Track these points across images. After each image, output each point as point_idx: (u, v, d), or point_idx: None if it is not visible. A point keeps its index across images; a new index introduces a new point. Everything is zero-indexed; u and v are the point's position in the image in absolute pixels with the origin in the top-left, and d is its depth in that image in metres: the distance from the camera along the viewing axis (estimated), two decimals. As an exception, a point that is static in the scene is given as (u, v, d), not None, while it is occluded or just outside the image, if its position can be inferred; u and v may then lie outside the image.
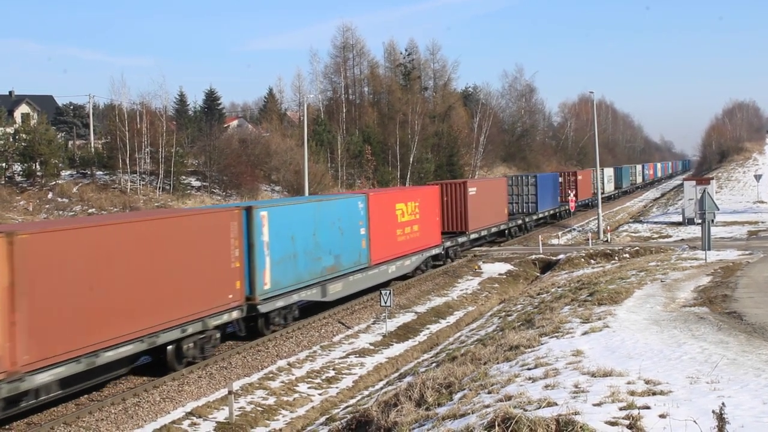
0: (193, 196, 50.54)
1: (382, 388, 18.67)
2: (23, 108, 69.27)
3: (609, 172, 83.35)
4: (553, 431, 8.48)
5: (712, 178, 66.18)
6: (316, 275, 24.70)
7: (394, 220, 30.79)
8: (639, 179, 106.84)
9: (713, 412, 7.50)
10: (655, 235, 46.99)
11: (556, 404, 9.56)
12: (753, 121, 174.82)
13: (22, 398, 14.89)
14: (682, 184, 59.64)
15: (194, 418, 16.82)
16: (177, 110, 70.45)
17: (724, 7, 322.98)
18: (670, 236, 45.63)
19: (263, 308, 22.01)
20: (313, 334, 24.31)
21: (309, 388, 19.49)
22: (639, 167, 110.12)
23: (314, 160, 56.20)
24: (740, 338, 14.71)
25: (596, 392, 10.25)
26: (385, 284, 29.54)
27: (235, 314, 20.86)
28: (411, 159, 69.61)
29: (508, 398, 10.48)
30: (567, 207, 59.19)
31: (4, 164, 43.67)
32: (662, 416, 8.88)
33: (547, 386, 11.03)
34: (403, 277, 32.37)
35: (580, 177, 64.79)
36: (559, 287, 27.84)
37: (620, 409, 9.34)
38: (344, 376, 20.62)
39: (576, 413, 8.99)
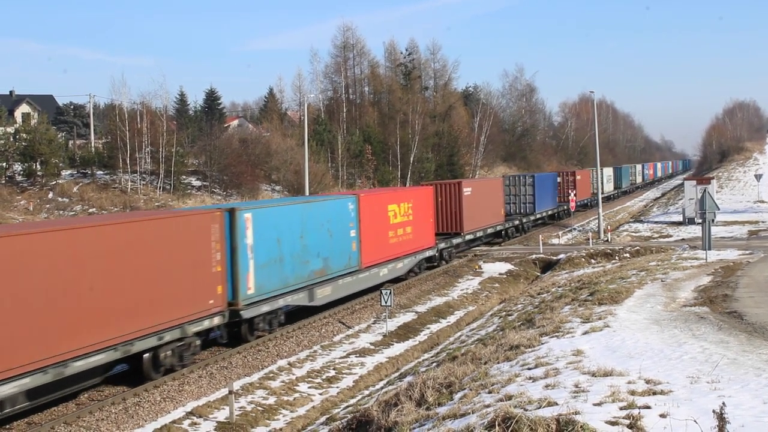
0: (194, 195, 50.56)
1: (382, 388, 18.68)
2: (24, 108, 69.31)
3: (608, 171, 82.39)
4: (554, 431, 8.48)
5: (713, 178, 66.19)
6: (303, 279, 23.99)
7: (386, 222, 30.06)
8: (639, 179, 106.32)
9: (714, 411, 7.50)
10: (656, 235, 46.99)
11: (557, 404, 9.55)
12: (753, 120, 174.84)
13: None
14: (682, 184, 59.61)
15: (195, 417, 16.83)
16: (177, 110, 70.50)
17: (724, 7, 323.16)
18: (671, 236, 45.63)
19: (246, 314, 21.22)
20: (314, 334, 24.31)
21: (309, 387, 19.49)
22: (639, 167, 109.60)
23: (314, 159, 56.21)
24: (741, 338, 14.70)
25: (597, 392, 10.25)
26: (376, 287, 29.00)
27: (216, 320, 20.07)
28: (411, 159, 69.61)
29: (509, 398, 10.47)
30: (565, 207, 59.13)
31: (4, 164, 43.72)
32: (663, 416, 8.88)
33: (547, 386, 11.03)
34: (396, 280, 31.58)
35: (578, 177, 64.21)
36: (559, 287, 27.84)
37: (621, 408, 9.34)
38: (345, 375, 20.62)
39: (576, 413, 8.99)
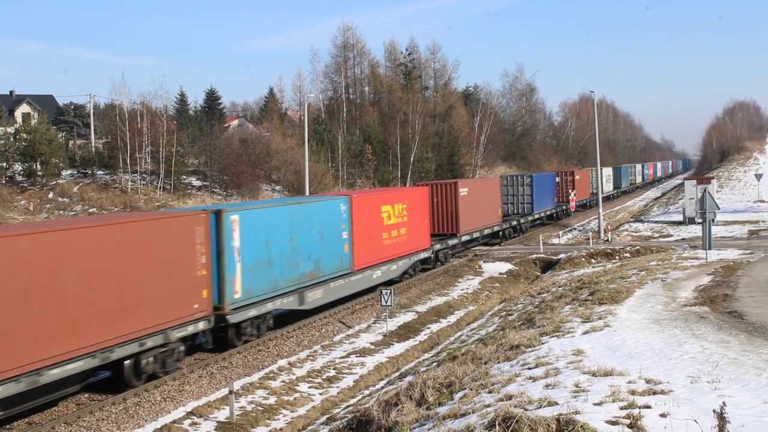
0: (194, 195, 50.58)
1: (382, 388, 18.67)
2: (24, 108, 69.32)
3: (607, 171, 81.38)
4: (554, 431, 8.48)
5: (713, 178, 66.22)
6: (293, 282, 23.43)
7: (380, 223, 29.50)
8: (638, 179, 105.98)
9: (714, 411, 7.50)
10: (656, 235, 47.00)
11: (557, 403, 9.55)
12: (754, 120, 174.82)
13: None
14: (682, 184, 59.62)
15: (195, 417, 16.83)
16: (177, 110, 70.54)
17: (724, 7, 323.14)
18: (671, 235, 45.64)
19: (233, 318, 20.63)
20: (314, 334, 24.31)
21: (310, 387, 19.50)
22: (639, 167, 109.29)
23: (315, 159, 56.23)
24: (741, 337, 14.70)
25: (597, 391, 10.25)
26: (370, 290, 28.75)
27: (201, 325, 19.51)
28: (412, 158, 69.62)
29: (509, 398, 10.47)
30: (564, 208, 59.03)
31: (4, 164, 43.73)
32: (663, 415, 8.88)
33: (547, 386, 11.03)
34: (390, 282, 30.89)
35: (577, 177, 63.65)
36: (559, 286, 27.84)
37: (621, 408, 9.34)
38: (345, 375, 20.63)
39: (577, 412, 8.99)
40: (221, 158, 54.04)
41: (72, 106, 68.13)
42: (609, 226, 50.83)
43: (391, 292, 25.05)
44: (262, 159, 58.35)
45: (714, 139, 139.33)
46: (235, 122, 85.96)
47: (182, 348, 19.26)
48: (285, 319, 24.89)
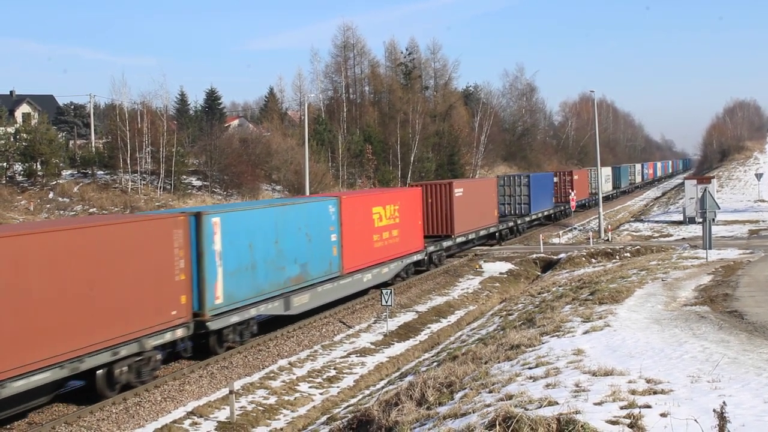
0: (194, 195, 50.60)
1: (383, 388, 18.67)
2: (24, 108, 69.33)
3: (606, 171, 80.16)
4: (554, 430, 8.48)
5: (713, 177, 66.22)
6: (278, 286, 22.63)
7: (371, 225, 28.68)
8: (638, 179, 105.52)
9: (714, 411, 7.49)
10: (656, 234, 47.00)
11: (557, 403, 9.55)
12: (754, 119, 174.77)
13: None
14: (682, 183, 59.61)
15: (195, 417, 16.84)
16: (178, 110, 70.58)
17: (724, 7, 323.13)
18: (671, 235, 45.64)
19: (214, 325, 19.84)
20: (314, 334, 24.32)
21: (310, 387, 19.50)
22: (638, 166, 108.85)
23: (315, 159, 56.25)
24: (741, 337, 14.70)
25: (597, 391, 10.25)
26: (360, 294, 28.37)
27: (179, 332, 18.72)
28: (412, 158, 69.63)
29: (509, 397, 10.47)
30: (562, 208, 58.86)
31: (5, 164, 43.73)
32: (663, 415, 8.88)
33: (548, 385, 11.02)
34: (382, 285, 29.60)
35: (576, 177, 63.01)
36: (560, 286, 27.84)
37: (621, 408, 9.34)
38: (345, 375, 20.63)
39: (577, 412, 8.99)
40: (221, 158, 54.05)
41: (72, 106, 68.15)
42: (609, 226, 50.85)
43: (391, 292, 25.04)
44: (263, 159, 58.37)
45: (714, 138, 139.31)
46: (236, 122, 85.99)
47: (159, 356, 18.50)
48: (270, 324, 24.26)
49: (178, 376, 19.14)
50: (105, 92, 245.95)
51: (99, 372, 16.68)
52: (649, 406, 9.32)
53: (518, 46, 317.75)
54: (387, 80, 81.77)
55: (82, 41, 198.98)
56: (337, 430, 13.05)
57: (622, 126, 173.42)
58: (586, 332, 15.71)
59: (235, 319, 20.73)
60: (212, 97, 74.49)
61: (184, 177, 51.78)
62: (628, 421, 8.77)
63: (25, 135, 44.70)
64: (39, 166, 44.20)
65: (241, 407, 17.50)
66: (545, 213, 55.62)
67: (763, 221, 49.69)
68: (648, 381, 10.86)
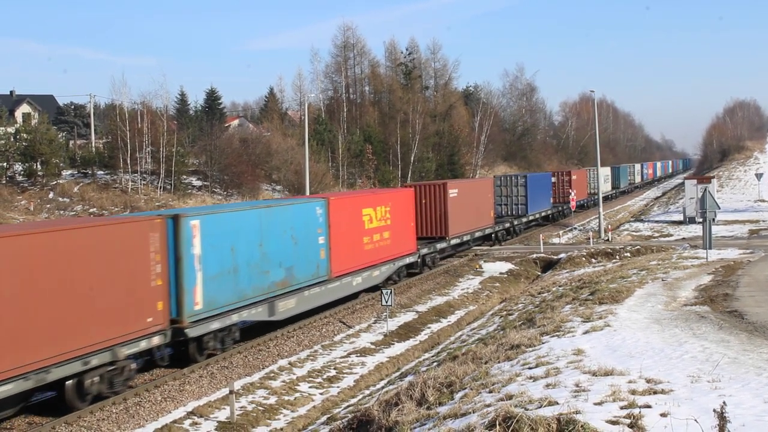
0: (194, 195, 50.61)
1: (383, 388, 18.67)
2: (24, 108, 69.36)
3: (605, 171, 79.38)
4: (554, 430, 8.48)
5: (713, 177, 66.23)
6: (262, 291, 21.84)
7: (361, 227, 27.90)
8: (638, 179, 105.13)
9: (714, 410, 7.49)
10: (656, 234, 47.00)
11: (557, 403, 9.55)
12: (754, 119, 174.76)
13: None
14: (683, 183, 59.61)
15: (195, 417, 16.84)
16: (178, 110, 70.60)
17: (724, 7, 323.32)
18: (671, 235, 45.64)
19: (193, 332, 19.03)
20: (314, 334, 24.32)
21: (310, 387, 19.50)
22: (638, 166, 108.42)
23: (315, 159, 56.26)
24: (741, 337, 14.70)
25: (597, 391, 10.25)
26: (349, 298, 27.80)
27: (156, 340, 17.95)
28: (412, 158, 69.65)
29: (509, 397, 10.47)
30: (560, 208, 58.64)
31: (5, 164, 43.73)
32: (663, 415, 8.88)
33: (548, 385, 11.03)
34: (373, 289, 29.53)
35: (574, 177, 62.26)
36: (560, 286, 27.84)
37: (621, 408, 9.34)
38: (345, 375, 20.63)
39: (577, 412, 8.99)
40: (221, 158, 54.06)
41: (72, 106, 68.18)
42: (609, 226, 50.85)
43: (391, 292, 25.03)
44: (263, 159, 58.38)
45: (714, 138, 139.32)
46: (236, 122, 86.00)
47: (133, 366, 17.75)
48: (260, 329, 23.75)
49: (178, 376, 19.14)
50: (105, 92, 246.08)
51: (68, 383, 15.94)
52: (649, 406, 9.32)
53: (518, 46, 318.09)
54: (387, 80, 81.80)
55: (82, 41, 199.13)
56: (337, 430, 13.04)
57: (622, 126, 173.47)
58: (586, 332, 15.71)
59: (215, 325, 19.93)
60: (212, 97, 74.50)
61: (185, 177, 51.80)
62: (628, 421, 8.77)
63: (25, 135, 44.71)
64: (39, 166, 44.21)
65: (241, 407, 17.50)
66: (543, 214, 54.98)
67: (763, 221, 49.69)
68: (648, 381, 10.86)
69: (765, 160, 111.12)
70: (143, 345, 17.56)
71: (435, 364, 18.65)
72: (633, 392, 10.12)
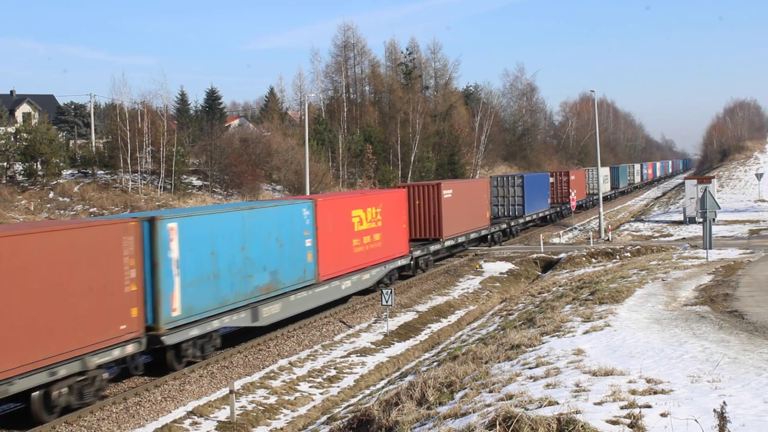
0: (195, 195, 50.61)
1: (383, 387, 18.68)
2: (24, 107, 69.40)
3: (604, 171, 78.24)
4: (555, 430, 8.48)
5: (714, 177, 66.19)
6: (245, 296, 21.11)
7: (350, 229, 27.22)
8: (637, 179, 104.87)
9: (714, 410, 7.50)
10: (657, 234, 47.00)
11: (558, 403, 9.56)
12: (754, 119, 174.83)
13: None
14: (683, 183, 59.61)
15: (195, 417, 16.84)
16: (178, 109, 70.64)
17: (724, 7, 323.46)
18: (672, 235, 45.64)
19: (170, 339, 18.33)
20: (315, 333, 24.32)
21: (310, 387, 19.51)
22: (637, 166, 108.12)
23: (315, 159, 56.26)
24: (741, 337, 14.70)
25: (597, 391, 10.25)
26: (339, 302, 27.27)
27: (130, 348, 17.18)
28: (412, 158, 69.65)
29: (510, 397, 10.48)
30: (558, 209, 58.51)
31: (5, 163, 43.73)
32: (663, 415, 8.88)
33: (548, 385, 11.03)
34: (364, 292, 29.09)
35: (573, 177, 61.57)
36: (560, 286, 27.84)
37: (621, 408, 9.34)
38: (345, 375, 20.64)
39: (577, 412, 8.99)
40: (222, 158, 54.06)
41: (72, 106, 68.19)
42: (609, 226, 50.85)
43: (391, 292, 25.02)
44: (263, 159, 58.37)
45: (714, 138, 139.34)
46: (236, 122, 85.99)
47: (105, 375, 17.02)
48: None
49: (178, 376, 19.14)
50: (105, 92, 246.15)
51: (34, 394, 15.20)
52: (649, 406, 9.33)
53: (518, 45, 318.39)
54: (387, 80, 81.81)
55: (82, 41, 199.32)
56: (338, 429, 13.05)
57: (622, 126, 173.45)
58: (586, 332, 15.72)
59: (195, 332, 19.20)
60: (212, 97, 74.51)
61: (185, 177, 51.79)
62: (628, 421, 8.78)
63: (25, 135, 44.69)
64: (39, 166, 44.19)
65: (242, 407, 17.50)
66: (540, 214, 54.40)
67: (764, 221, 49.69)
68: (648, 381, 10.87)
69: (765, 160, 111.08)
70: (116, 353, 16.84)
71: (435, 363, 18.65)
72: (633, 392, 10.12)
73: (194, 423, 16.56)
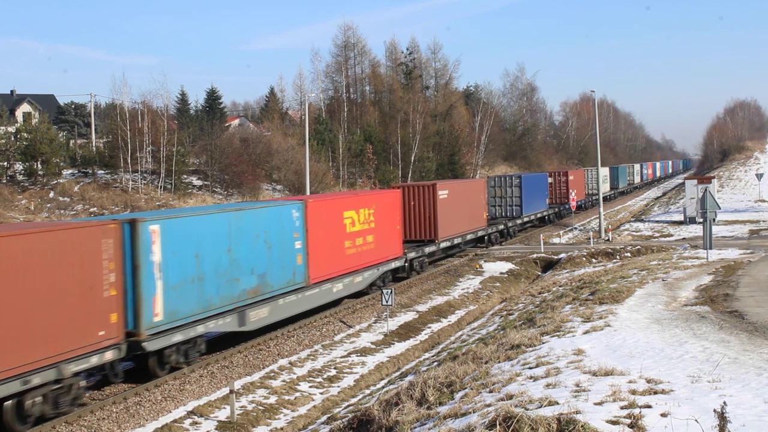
0: (195, 195, 50.62)
1: (383, 387, 18.69)
2: (25, 107, 69.39)
3: (604, 172, 77.05)
4: (555, 430, 8.48)
5: (714, 177, 66.22)
6: (231, 300, 20.52)
7: (342, 231, 26.72)
8: (637, 179, 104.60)
9: (714, 411, 7.50)
10: (657, 234, 47.00)
11: (558, 403, 9.56)
12: (754, 119, 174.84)
13: None
14: (683, 183, 59.61)
15: (196, 417, 16.85)
16: (178, 109, 70.64)
17: (724, 7, 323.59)
18: (672, 235, 45.64)
19: (152, 345, 17.77)
20: (315, 333, 24.32)
21: (310, 387, 19.51)
22: (637, 167, 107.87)
23: (315, 159, 56.26)
24: (741, 337, 14.70)
25: (597, 391, 10.25)
26: (329, 306, 26.74)
27: (108, 355, 16.57)
28: (412, 158, 69.65)
29: (510, 397, 10.48)
30: (557, 209, 58.41)
31: (5, 163, 43.73)
32: (664, 415, 8.88)
33: (548, 385, 11.03)
34: (356, 295, 28.65)
35: (571, 177, 61.14)
36: (560, 286, 27.84)
37: (621, 408, 9.34)
38: (345, 375, 20.64)
39: (577, 412, 8.99)
40: (222, 158, 54.06)
41: (73, 106, 68.19)
42: (610, 226, 50.85)
43: (391, 292, 25.01)
44: (263, 158, 58.37)
45: (715, 138, 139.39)
46: (236, 122, 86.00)
47: (83, 383, 16.44)
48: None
49: (178, 376, 19.15)
50: (105, 92, 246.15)
51: (7, 404, 14.58)
52: (649, 406, 9.33)
53: (519, 45, 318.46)
54: (387, 80, 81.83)
55: (82, 40, 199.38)
56: (338, 429, 13.05)
57: (622, 126, 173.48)
58: (586, 332, 15.72)
59: (178, 337, 18.63)
60: (213, 97, 74.52)
61: (185, 176, 51.79)
62: (628, 421, 8.78)
63: (25, 134, 44.67)
64: (39, 166, 44.18)
65: (242, 407, 17.51)
66: (538, 215, 53.90)
67: (764, 221, 49.70)
68: (648, 381, 10.87)
69: (765, 160, 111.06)
70: (94, 360, 16.21)
71: (435, 363, 18.65)
72: (633, 392, 10.12)
73: (194, 423, 16.56)
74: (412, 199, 34.69)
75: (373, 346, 23.40)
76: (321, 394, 19.08)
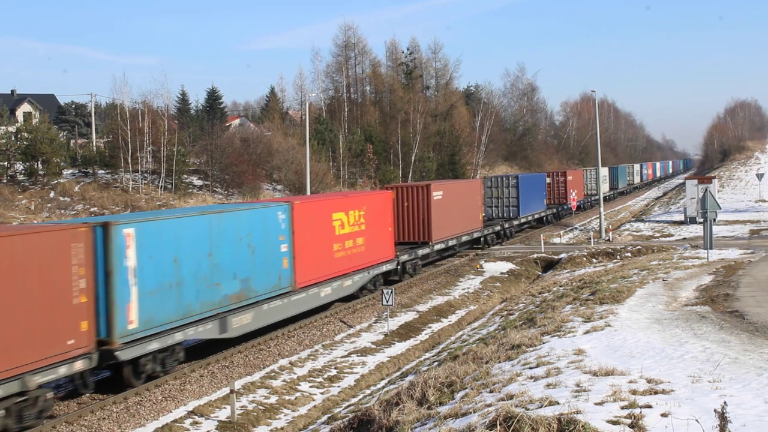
0: (195, 194, 50.63)
1: (383, 387, 18.69)
2: (25, 107, 69.41)
3: (603, 172, 75.81)
4: (555, 430, 8.48)
5: (714, 177, 66.18)
6: (212, 306, 19.81)
7: (331, 233, 26.04)
8: (636, 179, 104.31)
9: (715, 411, 7.50)
10: (657, 234, 46.99)
11: (558, 403, 9.56)
12: (755, 119, 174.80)
13: None
14: (683, 183, 59.59)
15: (196, 416, 16.85)
16: (179, 109, 70.65)
17: (724, 7, 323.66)
18: (672, 235, 45.64)
19: (126, 354, 17.05)
20: (315, 333, 24.33)
21: (311, 386, 19.51)
22: (637, 167, 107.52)
23: (316, 159, 56.26)
24: (742, 337, 14.70)
25: (598, 391, 10.25)
26: (317, 311, 26.18)
27: (78, 365, 15.80)
28: (413, 158, 69.64)
29: (510, 397, 10.48)
30: (555, 210, 58.28)
31: (6, 163, 43.74)
32: (664, 415, 8.88)
33: (548, 385, 11.03)
34: (346, 299, 28.08)
35: (570, 177, 60.74)
36: (560, 286, 27.84)
37: (622, 408, 9.34)
38: (346, 374, 20.64)
39: (578, 412, 8.99)
40: (222, 157, 54.07)
41: (73, 106, 68.22)
42: (610, 226, 50.84)
43: (392, 292, 25.01)
44: (264, 158, 58.38)
45: (715, 138, 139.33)
46: (237, 121, 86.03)
47: (50, 395, 15.63)
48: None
49: (179, 376, 19.15)
50: (106, 91, 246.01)
51: None
52: (649, 406, 9.33)
53: (519, 45, 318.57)
54: (388, 80, 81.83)
55: (82, 40, 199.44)
56: (338, 429, 13.05)
57: (623, 126, 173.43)
58: (586, 332, 15.72)
59: (154, 346, 17.93)
60: (213, 97, 74.54)
61: (185, 176, 51.80)
62: (629, 421, 8.78)
63: (26, 134, 44.67)
64: (40, 166, 44.18)
65: (242, 406, 17.51)
66: (536, 216, 53.26)
67: (764, 221, 49.69)
68: (649, 381, 10.87)
69: (766, 160, 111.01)
70: (62, 371, 15.45)
71: (436, 363, 18.66)
72: (634, 392, 10.12)
73: (195, 422, 16.57)
74: (406, 200, 34.01)
75: (373, 346, 23.40)
76: (321, 393, 19.09)
